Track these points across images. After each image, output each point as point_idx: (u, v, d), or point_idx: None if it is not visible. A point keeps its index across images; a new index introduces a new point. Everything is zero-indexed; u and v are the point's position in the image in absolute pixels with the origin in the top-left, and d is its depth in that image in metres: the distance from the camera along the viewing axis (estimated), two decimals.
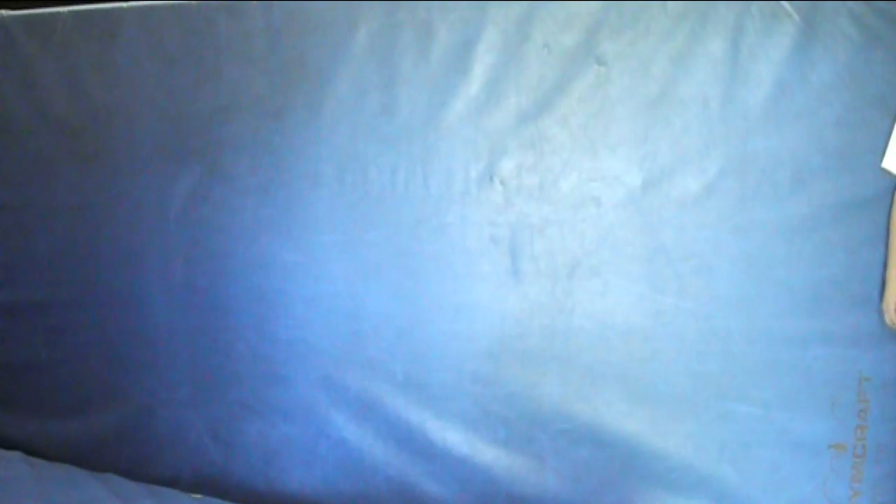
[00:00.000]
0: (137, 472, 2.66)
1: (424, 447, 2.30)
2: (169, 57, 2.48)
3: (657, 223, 2.04)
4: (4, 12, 2.69)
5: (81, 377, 2.75)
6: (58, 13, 2.60)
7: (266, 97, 2.37)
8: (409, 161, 2.24)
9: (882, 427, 1.92)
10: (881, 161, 1.83)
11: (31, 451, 2.78)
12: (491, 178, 2.17)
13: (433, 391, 2.28)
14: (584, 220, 2.10)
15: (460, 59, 2.16)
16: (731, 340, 2.01)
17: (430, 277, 2.25)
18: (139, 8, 2.50)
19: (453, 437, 2.27)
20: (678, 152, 2.01)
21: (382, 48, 2.22)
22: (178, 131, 2.50)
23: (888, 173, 1.81)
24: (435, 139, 2.21)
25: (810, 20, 1.87)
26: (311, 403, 2.42)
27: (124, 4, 2.51)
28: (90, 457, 2.74)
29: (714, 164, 1.99)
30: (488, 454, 2.25)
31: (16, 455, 2.73)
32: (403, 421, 2.32)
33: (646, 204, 2.05)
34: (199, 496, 2.53)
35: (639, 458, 2.12)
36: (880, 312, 1.86)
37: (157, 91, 2.51)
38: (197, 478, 2.61)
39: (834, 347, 1.92)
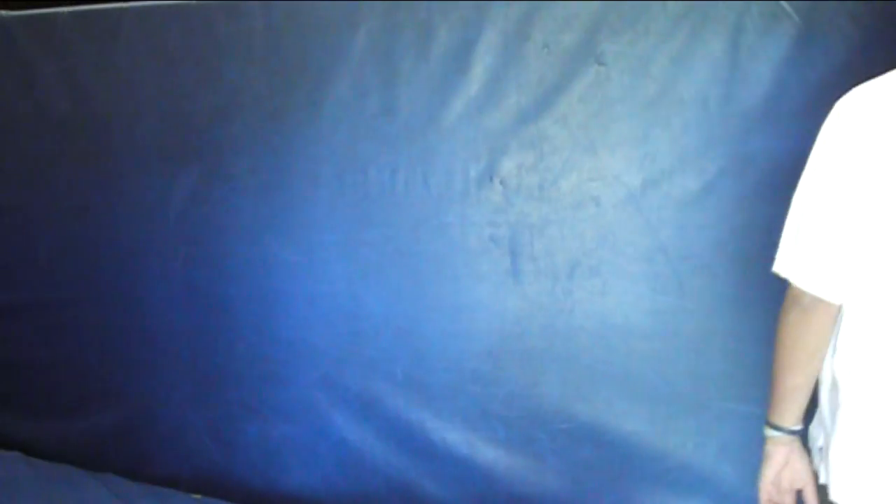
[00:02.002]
0: (137, 472, 2.66)
1: (424, 447, 2.30)
2: (169, 57, 2.48)
3: (657, 223, 2.04)
4: (4, 12, 2.68)
5: (81, 377, 2.75)
6: (58, 13, 2.60)
7: (266, 97, 2.37)
8: (409, 161, 2.24)
9: None
10: None
11: (30, 451, 2.78)
12: (491, 178, 2.17)
13: (433, 391, 2.28)
14: (583, 219, 2.10)
15: (460, 59, 2.16)
16: (732, 340, 2.01)
17: (430, 277, 2.25)
18: (139, 8, 2.49)
19: (453, 437, 2.27)
20: (678, 152, 2.01)
21: (382, 48, 2.22)
22: (178, 131, 2.50)
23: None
24: (435, 139, 2.21)
25: (810, 20, 1.87)
26: (310, 403, 2.42)
27: (124, 4, 2.51)
28: (90, 457, 2.74)
29: (714, 164, 1.99)
30: (488, 454, 2.25)
31: (15, 455, 2.73)
32: (403, 421, 2.32)
33: (646, 204, 2.04)
34: (198, 496, 2.54)
35: (639, 458, 2.11)
36: None
37: (157, 91, 2.51)
38: (197, 478, 2.61)
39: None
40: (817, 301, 1.17)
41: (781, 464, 1.27)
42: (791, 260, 1.20)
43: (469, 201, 2.19)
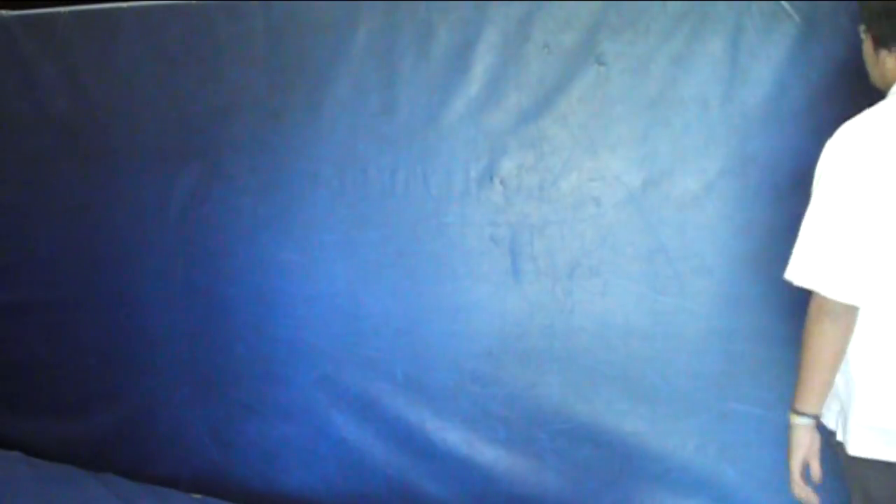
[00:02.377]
0: (137, 472, 2.66)
1: (424, 447, 2.30)
2: (169, 57, 2.48)
3: (657, 223, 2.04)
4: (4, 12, 2.69)
5: (81, 377, 2.76)
6: (58, 13, 2.60)
7: (266, 97, 2.37)
8: (409, 161, 2.24)
9: None
10: None
11: (31, 451, 2.78)
12: (491, 178, 2.17)
13: (433, 391, 2.28)
14: (583, 220, 2.10)
15: (460, 59, 2.16)
16: (732, 340, 2.00)
17: (430, 277, 2.25)
18: (139, 8, 2.50)
19: (453, 437, 2.27)
20: (678, 152, 2.01)
21: (382, 48, 2.22)
22: (178, 131, 2.50)
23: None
24: (435, 139, 2.21)
25: (810, 20, 1.87)
26: (310, 403, 2.42)
27: (124, 4, 2.51)
28: (90, 457, 2.74)
29: (714, 164, 1.99)
30: (488, 454, 2.25)
31: (16, 455, 2.74)
32: (403, 421, 2.32)
33: (646, 204, 2.04)
34: (198, 496, 2.54)
35: (639, 458, 2.11)
36: None
37: (157, 91, 2.51)
38: (197, 478, 2.61)
39: None
40: (849, 308, 1.36)
41: (809, 446, 1.48)
42: (825, 276, 1.37)
43: (469, 201, 2.19)
